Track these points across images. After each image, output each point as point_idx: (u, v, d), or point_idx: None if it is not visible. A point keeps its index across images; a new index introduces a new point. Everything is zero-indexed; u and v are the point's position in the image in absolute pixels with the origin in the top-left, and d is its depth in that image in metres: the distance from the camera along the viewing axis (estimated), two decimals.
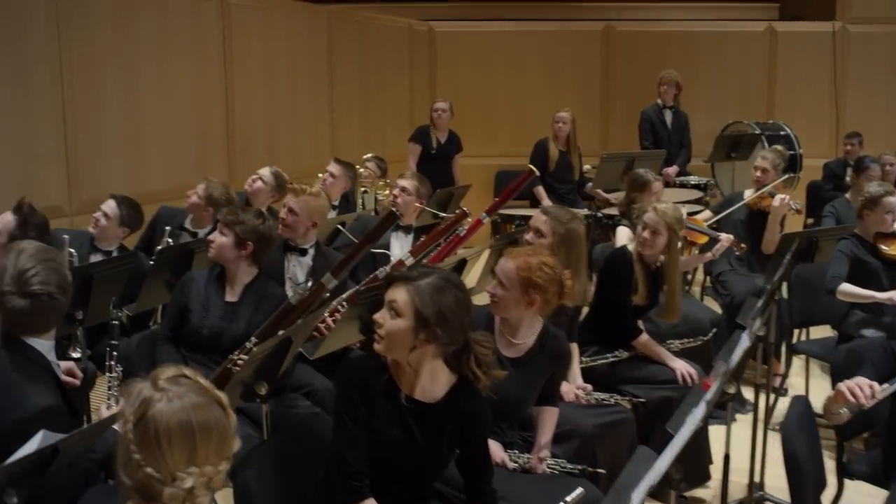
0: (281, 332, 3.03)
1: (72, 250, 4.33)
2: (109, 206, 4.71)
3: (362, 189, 6.64)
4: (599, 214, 7.19)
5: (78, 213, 5.74)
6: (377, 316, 2.62)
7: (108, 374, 3.18)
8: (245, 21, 7.08)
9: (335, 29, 8.23)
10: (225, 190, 5.02)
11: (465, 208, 4.52)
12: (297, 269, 4.39)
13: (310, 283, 4.22)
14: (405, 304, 2.56)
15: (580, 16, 10.34)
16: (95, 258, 4.60)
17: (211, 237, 3.82)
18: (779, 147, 6.78)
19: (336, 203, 6.36)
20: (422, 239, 4.42)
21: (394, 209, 4.19)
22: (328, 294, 3.56)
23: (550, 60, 9.97)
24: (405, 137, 9.35)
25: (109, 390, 3.15)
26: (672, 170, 8.21)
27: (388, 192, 7.02)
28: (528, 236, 4.00)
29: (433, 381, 2.67)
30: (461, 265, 4.28)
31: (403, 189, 5.14)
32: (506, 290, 3.23)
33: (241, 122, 7.08)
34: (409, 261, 4.49)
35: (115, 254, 4.68)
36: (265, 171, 5.83)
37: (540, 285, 3.19)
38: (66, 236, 4.36)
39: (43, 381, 2.71)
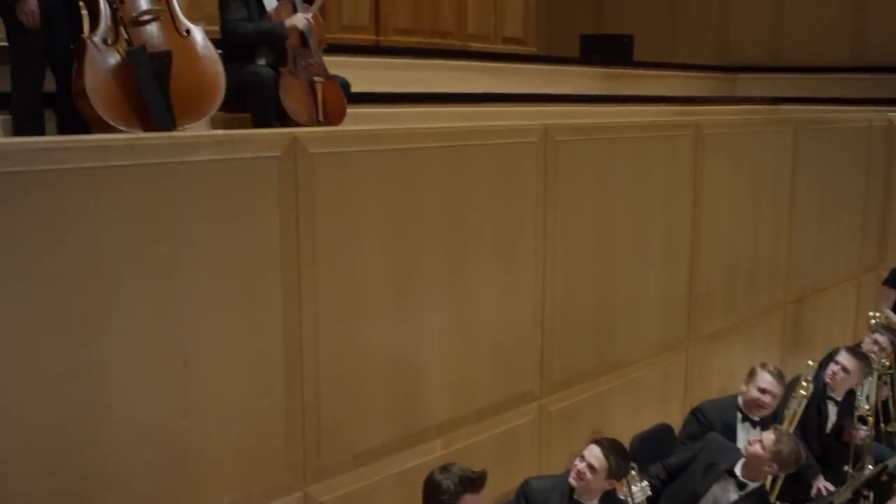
0: None
1: None
2: (594, 455, 3.98)
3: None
4: None
5: (546, 395, 5.16)
6: None
7: None
8: (716, 152, 6.16)
9: (800, 140, 7.10)
10: (796, 447, 4.07)
11: None
12: None
13: None
14: None
15: None
16: None
17: None
18: None
19: (840, 399, 5.32)
20: None
21: None
22: None
23: None
24: (857, 257, 8.13)
25: None
26: None
27: (888, 363, 5.86)
28: None
29: None
30: None
31: None
32: None
33: (704, 275, 6.18)
34: None
35: None
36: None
37: None
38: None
39: None
